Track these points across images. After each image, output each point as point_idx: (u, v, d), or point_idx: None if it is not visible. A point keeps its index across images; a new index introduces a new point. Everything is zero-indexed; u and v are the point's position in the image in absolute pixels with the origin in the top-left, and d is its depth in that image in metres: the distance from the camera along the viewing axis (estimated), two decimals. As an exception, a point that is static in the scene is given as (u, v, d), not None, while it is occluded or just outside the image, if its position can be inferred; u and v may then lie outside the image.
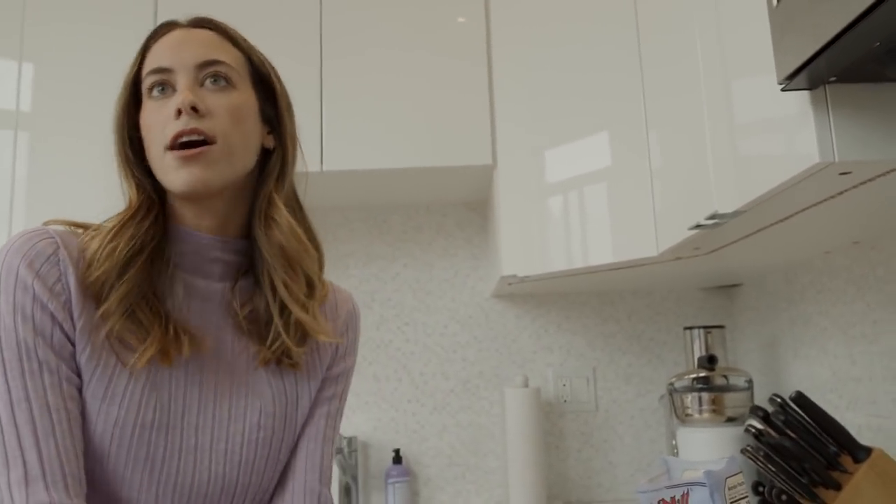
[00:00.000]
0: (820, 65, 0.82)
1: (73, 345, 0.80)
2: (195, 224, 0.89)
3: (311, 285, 0.92)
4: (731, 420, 1.76)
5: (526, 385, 2.05)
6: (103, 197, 0.89)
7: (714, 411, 1.77)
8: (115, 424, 0.80)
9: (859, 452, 1.13)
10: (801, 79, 0.85)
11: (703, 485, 0.86)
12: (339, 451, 2.04)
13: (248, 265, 0.92)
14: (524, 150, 1.84)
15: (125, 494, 0.82)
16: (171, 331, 0.84)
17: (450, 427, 2.16)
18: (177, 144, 0.83)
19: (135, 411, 0.81)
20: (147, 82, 0.87)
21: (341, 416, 1.02)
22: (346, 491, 2.06)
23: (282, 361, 0.91)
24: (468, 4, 1.96)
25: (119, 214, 0.86)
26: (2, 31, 1.95)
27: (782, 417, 1.17)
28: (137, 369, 0.82)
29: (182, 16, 0.92)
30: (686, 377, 1.82)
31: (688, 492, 0.88)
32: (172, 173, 0.83)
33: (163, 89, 0.86)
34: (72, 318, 0.80)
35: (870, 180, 0.95)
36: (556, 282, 1.93)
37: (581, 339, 2.20)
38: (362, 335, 2.18)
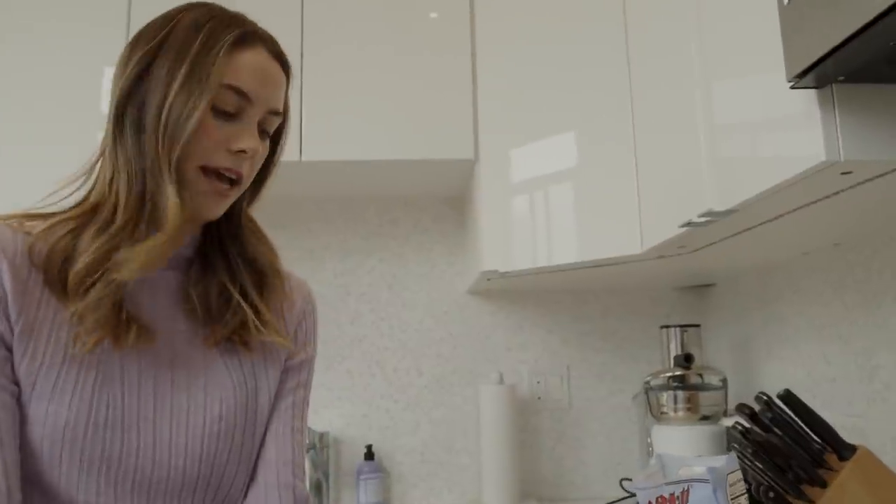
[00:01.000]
0: (829, 64, 0.82)
1: (8, 349, 0.76)
2: None
3: (276, 290, 0.93)
4: (705, 418, 1.78)
5: (501, 382, 2.05)
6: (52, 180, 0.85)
7: (689, 409, 1.79)
8: (66, 426, 0.76)
9: (845, 451, 1.15)
10: (810, 77, 0.86)
11: (705, 481, 0.86)
12: (311, 447, 2.01)
13: (195, 252, 0.91)
14: (506, 145, 1.83)
15: (82, 498, 0.78)
16: (124, 316, 0.80)
17: (423, 423, 2.14)
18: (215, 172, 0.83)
19: (86, 411, 0.77)
20: (223, 96, 0.82)
21: (307, 406, 1.00)
22: (318, 487, 2.03)
23: (233, 339, 0.88)
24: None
25: (121, 219, 0.80)
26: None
27: (769, 415, 1.18)
28: (86, 364, 0.78)
29: (261, 24, 0.88)
30: (662, 375, 1.83)
31: (688, 488, 0.88)
32: (201, 198, 0.83)
33: (227, 112, 0.83)
34: (8, 321, 0.76)
35: (868, 180, 0.96)
36: (531, 279, 1.93)
37: (555, 336, 2.20)
38: (335, 329, 2.17)
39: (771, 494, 1.13)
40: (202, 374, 0.86)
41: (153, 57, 0.82)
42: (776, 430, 1.17)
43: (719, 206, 1.16)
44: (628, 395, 2.15)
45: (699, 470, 0.88)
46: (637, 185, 1.54)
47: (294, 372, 0.97)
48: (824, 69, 0.83)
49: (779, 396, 1.18)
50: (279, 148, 0.95)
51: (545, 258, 1.75)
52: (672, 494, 0.90)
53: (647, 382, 1.86)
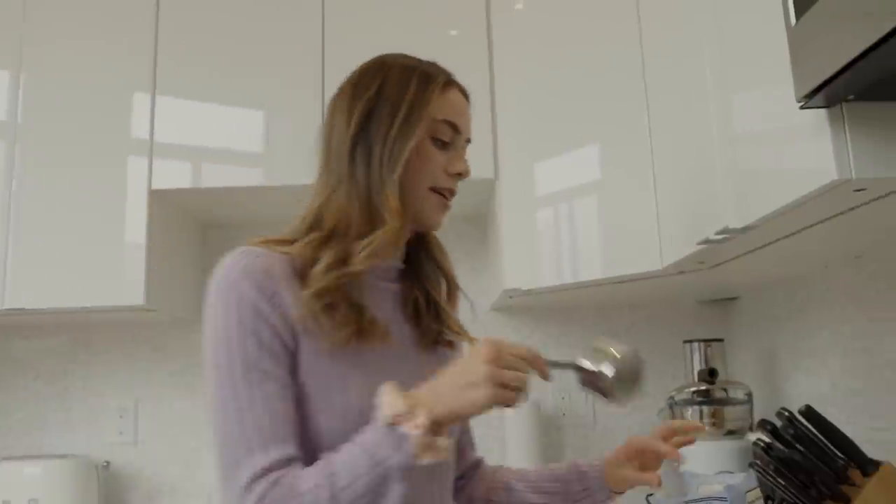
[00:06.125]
0: (839, 84, 0.83)
1: (292, 354, 0.87)
2: None
3: (457, 296, 1.08)
4: (730, 433, 1.77)
5: (525, 398, 2.05)
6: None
7: (714, 424, 1.78)
8: (349, 412, 0.87)
9: (868, 466, 1.14)
10: (819, 97, 0.86)
11: (723, 499, 0.86)
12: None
13: (404, 265, 1.04)
14: (526, 163, 1.85)
15: None
16: (368, 316, 0.91)
17: (448, 440, 2.15)
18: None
19: (360, 401, 0.86)
20: (440, 129, 0.98)
21: None
22: None
23: (439, 341, 1.03)
24: (468, 18, 1.98)
25: (354, 230, 0.93)
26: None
27: (791, 431, 1.17)
28: (352, 363, 0.89)
29: (449, 69, 1.03)
30: (686, 390, 1.83)
31: (707, 506, 0.88)
32: (432, 212, 0.99)
33: (443, 141, 0.98)
34: (294, 336, 0.87)
35: (883, 196, 0.97)
36: (555, 295, 1.94)
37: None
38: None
39: (794, 511, 1.13)
40: (422, 374, 0.93)
41: (374, 103, 0.96)
42: (798, 446, 1.17)
43: (736, 223, 1.16)
44: (653, 410, 2.14)
45: (717, 488, 0.89)
46: (656, 202, 1.54)
47: None
48: (834, 89, 0.84)
49: (800, 412, 1.18)
50: None
51: (568, 275, 1.76)
52: (691, 512, 0.90)
53: (672, 397, 1.86)
